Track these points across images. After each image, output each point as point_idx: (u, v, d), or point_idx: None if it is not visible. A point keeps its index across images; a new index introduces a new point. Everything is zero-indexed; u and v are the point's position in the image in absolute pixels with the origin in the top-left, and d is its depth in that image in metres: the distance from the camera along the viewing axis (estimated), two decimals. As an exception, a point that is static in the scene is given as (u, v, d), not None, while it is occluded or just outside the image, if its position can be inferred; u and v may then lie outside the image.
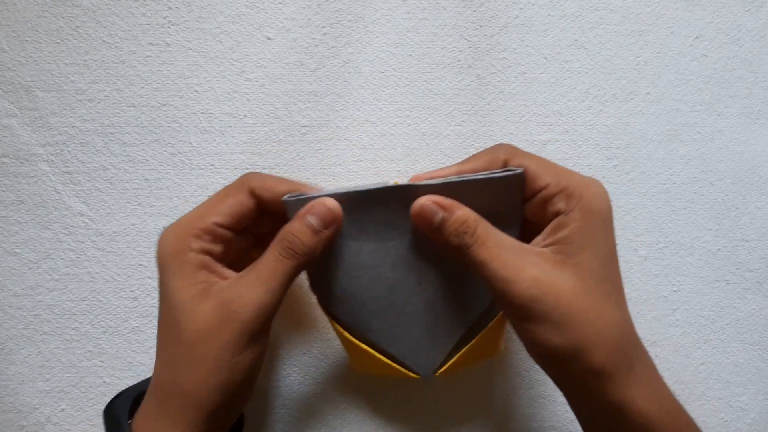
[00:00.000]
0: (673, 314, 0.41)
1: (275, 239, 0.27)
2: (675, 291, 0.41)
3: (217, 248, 0.28)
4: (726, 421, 0.41)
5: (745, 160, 0.40)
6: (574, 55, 0.39)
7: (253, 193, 0.29)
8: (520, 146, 0.39)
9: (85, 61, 0.37)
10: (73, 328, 0.36)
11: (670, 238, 0.40)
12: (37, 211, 0.36)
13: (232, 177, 0.33)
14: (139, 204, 0.37)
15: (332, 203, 0.27)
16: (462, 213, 0.27)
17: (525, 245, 0.28)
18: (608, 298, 0.27)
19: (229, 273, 0.28)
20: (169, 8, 0.37)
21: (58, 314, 0.36)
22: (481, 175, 0.28)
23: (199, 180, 0.37)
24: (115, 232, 0.37)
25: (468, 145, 0.39)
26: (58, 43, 0.37)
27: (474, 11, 0.39)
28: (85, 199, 0.37)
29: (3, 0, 0.36)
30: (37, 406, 0.36)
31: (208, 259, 0.27)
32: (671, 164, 0.40)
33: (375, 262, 0.30)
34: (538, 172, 0.28)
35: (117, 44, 0.37)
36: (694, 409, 0.29)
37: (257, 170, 0.37)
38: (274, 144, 0.38)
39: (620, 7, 0.40)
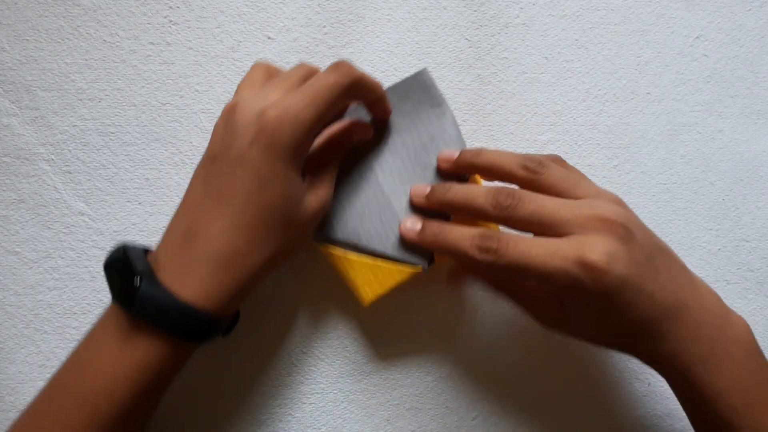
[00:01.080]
0: (673, 314, 0.41)
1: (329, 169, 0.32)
2: (675, 291, 0.41)
3: None
4: (726, 421, 0.41)
5: (745, 160, 0.40)
6: (574, 54, 0.39)
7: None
8: (520, 146, 0.39)
9: (86, 60, 0.37)
10: (74, 327, 0.36)
11: (671, 238, 0.40)
12: (37, 210, 0.36)
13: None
14: (139, 203, 0.37)
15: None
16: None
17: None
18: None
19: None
20: (170, 7, 0.37)
21: (59, 313, 0.36)
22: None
23: (200, 179, 0.37)
24: (115, 231, 0.37)
25: (468, 145, 0.39)
26: (58, 42, 0.37)
27: (475, 11, 0.39)
28: (85, 198, 0.37)
29: (4, -1, 0.36)
30: (37, 405, 0.36)
31: None
32: (672, 164, 0.40)
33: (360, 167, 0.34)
34: None
35: (118, 43, 0.37)
36: (694, 408, 0.29)
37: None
38: (274, 143, 0.38)
39: (621, 7, 0.40)
